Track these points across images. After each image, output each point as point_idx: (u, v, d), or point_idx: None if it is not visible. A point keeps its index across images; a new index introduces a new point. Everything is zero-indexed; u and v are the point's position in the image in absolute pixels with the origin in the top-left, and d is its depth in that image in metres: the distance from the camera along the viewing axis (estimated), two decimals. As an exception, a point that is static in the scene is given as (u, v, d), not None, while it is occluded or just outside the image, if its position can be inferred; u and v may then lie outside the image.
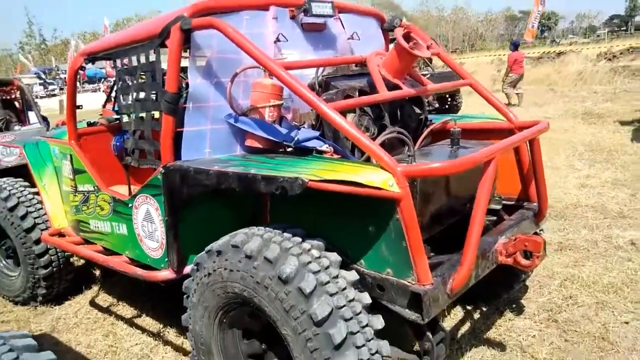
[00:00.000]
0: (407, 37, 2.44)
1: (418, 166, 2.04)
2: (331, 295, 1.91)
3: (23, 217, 3.72)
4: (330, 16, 2.86)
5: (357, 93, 2.52)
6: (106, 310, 3.84)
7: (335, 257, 2.07)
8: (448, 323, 3.23)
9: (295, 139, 2.40)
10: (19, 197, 3.78)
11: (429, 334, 2.04)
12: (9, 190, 3.80)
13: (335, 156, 2.41)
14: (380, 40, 3.25)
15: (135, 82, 2.79)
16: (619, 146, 7.78)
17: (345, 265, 2.12)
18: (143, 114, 2.77)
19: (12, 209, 3.72)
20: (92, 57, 3.10)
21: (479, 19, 58.37)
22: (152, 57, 2.59)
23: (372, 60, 2.57)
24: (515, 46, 14.34)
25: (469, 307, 3.40)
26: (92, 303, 3.99)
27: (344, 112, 2.48)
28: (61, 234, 3.69)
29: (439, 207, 2.37)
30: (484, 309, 3.38)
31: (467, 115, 3.26)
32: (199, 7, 2.43)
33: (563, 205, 5.30)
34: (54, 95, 29.78)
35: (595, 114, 10.99)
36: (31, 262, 3.77)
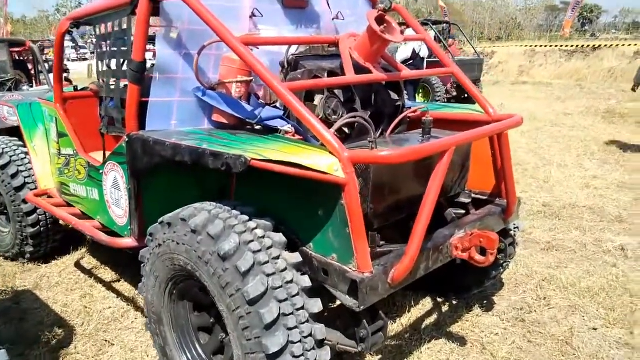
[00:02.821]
0: (381, 20, 2.37)
1: (365, 152, 1.99)
2: (268, 275, 1.91)
3: (14, 176, 3.81)
4: (312, -7, 2.80)
5: (325, 74, 2.46)
6: (88, 273, 3.94)
7: (279, 237, 2.06)
8: (414, 313, 3.22)
9: (258, 117, 2.39)
10: (11, 156, 3.86)
11: (365, 321, 2.02)
12: (2, 148, 3.88)
13: (297, 137, 2.38)
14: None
15: (108, 49, 2.79)
16: (636, 149, 7.53)
17: (294, 247, 2.13)
18: (113, 82, 2.78)
19: (3, 167, 3.82)
20: (76, 22, 3.11)
21: (518, 7, 56.44)
22: (125, 25, 2.59)
23: (345, 41, 2.50)
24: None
25: (439, 300, 3.37)
26: (77, 264, 4.09)
27: (311, 94, 2.45)
28: (49, 195, 3.77)
29: (395, 197, 2.33)
30: (454, 302, 3.34)
31: (448, 105, 3.18)
32: None
33: (560, 204, 5.18)
34: (85, 59, 30.00)
35: (617, 113, 10.63)
36: (19, 220, 3.87)
